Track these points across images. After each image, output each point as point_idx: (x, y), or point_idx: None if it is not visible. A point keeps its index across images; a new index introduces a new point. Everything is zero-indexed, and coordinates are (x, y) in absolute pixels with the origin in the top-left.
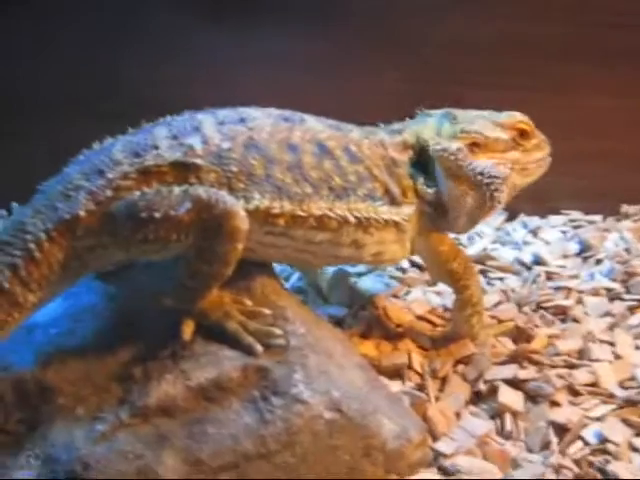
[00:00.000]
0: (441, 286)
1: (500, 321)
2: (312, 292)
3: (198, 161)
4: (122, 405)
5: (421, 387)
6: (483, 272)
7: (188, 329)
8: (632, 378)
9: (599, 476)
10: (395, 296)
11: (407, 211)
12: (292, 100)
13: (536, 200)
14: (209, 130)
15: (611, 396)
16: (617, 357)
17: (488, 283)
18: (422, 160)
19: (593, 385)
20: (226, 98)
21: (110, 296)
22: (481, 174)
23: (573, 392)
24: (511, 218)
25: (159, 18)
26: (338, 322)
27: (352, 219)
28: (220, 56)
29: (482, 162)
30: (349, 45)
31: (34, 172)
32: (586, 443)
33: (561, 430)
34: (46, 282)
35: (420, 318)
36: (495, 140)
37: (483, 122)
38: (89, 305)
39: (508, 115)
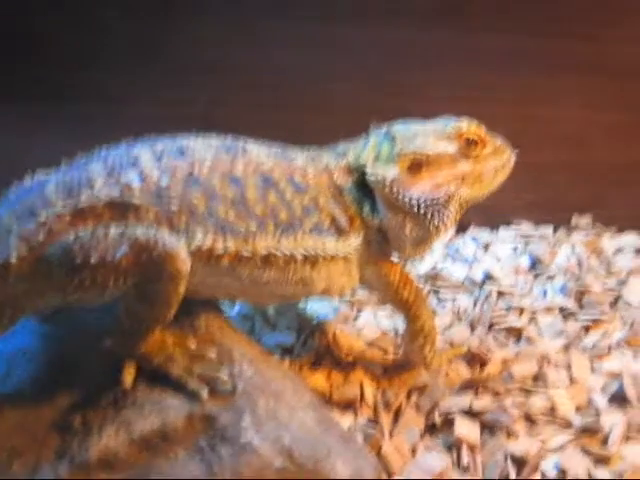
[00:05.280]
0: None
1: (453, 345)
2: (259, 318)
3: (136, 200)
4: (61, 459)
5: (374, 421)
6: (434, 291)
7: (129, 376)
8: (589, 403)
9: None
10: (344, 320)
11: (354, 242)
12: None
13: (486, 212)
14: (147, 165)
15: (569, 424)
16: (573, 381)
17: (439, 303)
18: (366, 184)
19: (550, 412)
20: None
21: (46, 336)
22: (417, 205)
23: (530, 421)
24: (461, 231)
25: None
26: (287, 350)
27: (299, 256)
28: None
29: (418, 190)
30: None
31: None
32: (545, 476)
33: (519, 462)
34: None
35: (371, 344)
36: (438, 155)
37: (424, 138)
38: (24, 346)
39: (454, 125)
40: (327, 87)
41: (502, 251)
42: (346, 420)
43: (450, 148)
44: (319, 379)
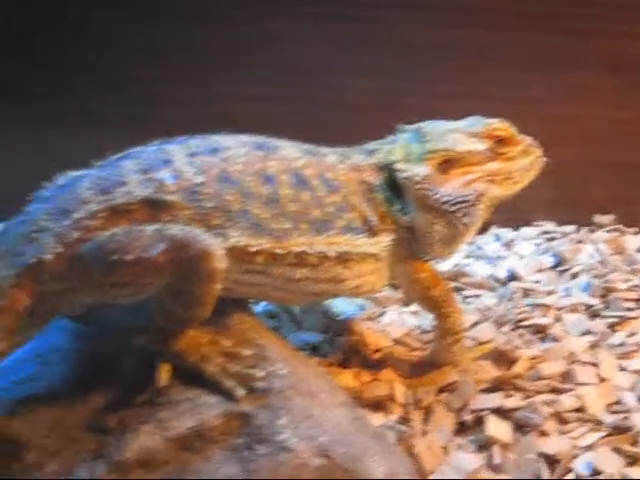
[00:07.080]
0: (416, 305)
1: (480, 343)
2: (284, 317)
3: (170, 197)
4: (98, 459)
5: (405, 420)
6: (458, 289)
7: (164, 374)
8: (618, 402)
9: None
10: (370, 318)
11: (385, 240)
12: None
13: (508, 211)
14: (180, 163)
15: (599, 423)
16: (602, 380)
17: (464, 301)
18: (396, 182)
19: (580, 411)
20: None
21: (79, 335)
22: (446, 202)
23: (561, 419)
24: (483, 230)
25: None
26: (314, 349)
27: (332, 254)
28: None
29: (449, 188)
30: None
31: None
32: (578, 475)
33: (552, 461)
34: (13, 330)
35: (397, 342)
36: (468, 153)
37: (455, 136)
38: (57, 346)
39: (485, 124)
40: (345, 84)
41: (525, 249)
42: (377, 419)
43: (480, 147)
44: (348, 377)
